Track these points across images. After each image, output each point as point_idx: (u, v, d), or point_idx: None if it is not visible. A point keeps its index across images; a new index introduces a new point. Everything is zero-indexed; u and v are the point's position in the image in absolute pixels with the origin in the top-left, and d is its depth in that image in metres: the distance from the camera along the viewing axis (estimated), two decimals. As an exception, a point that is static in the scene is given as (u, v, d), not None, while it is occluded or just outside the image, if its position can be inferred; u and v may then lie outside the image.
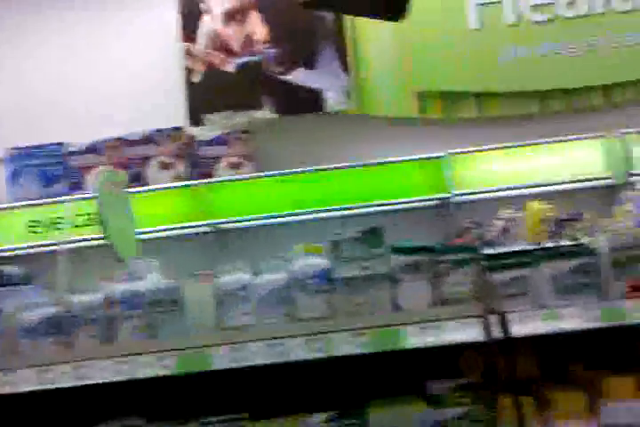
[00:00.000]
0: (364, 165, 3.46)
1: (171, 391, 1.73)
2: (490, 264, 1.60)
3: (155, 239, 3.30)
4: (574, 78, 3.74)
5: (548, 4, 3.73)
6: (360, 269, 1.59)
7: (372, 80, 3.85)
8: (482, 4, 3.75)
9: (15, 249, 3.34)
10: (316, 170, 3.45)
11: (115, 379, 1.50)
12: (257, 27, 3.79)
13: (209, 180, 3.43)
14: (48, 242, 3.25)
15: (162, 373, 1.50)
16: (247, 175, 3.46)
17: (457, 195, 3.45)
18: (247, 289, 1.62)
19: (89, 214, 3.23)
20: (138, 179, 3.40)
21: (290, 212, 3.39)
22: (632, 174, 3.27)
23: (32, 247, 3.32)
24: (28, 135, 3.55)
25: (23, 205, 3.37)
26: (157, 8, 3.89)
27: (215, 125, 3.68)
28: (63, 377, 1.51)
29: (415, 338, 1.53)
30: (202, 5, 3.78)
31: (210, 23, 3.79)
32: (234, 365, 1.51)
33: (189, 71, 3.76)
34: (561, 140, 3.51)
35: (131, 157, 3.43)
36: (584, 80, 3.73)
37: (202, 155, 3.52)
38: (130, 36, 3.94)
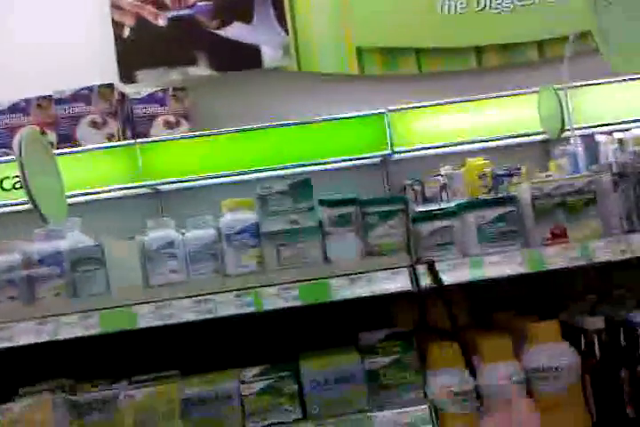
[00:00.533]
0: (304, 123, 3.41)
1: (99, 351, 1.71)
2: (416, 215, 1.61)
3: (88, 202, 3.21)
4: (510, 34, 3.76)
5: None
6: (288, 223, 1.58)
7: (311, 36, 3.77)
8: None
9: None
10: (254, 128, 3.38)
11: (37, 340, 1.46)
12: (187, -22, 3.63)
13: (144, 139, 3.32)
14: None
15: (86, 333, 1.47)
16: (184, 134, 3.37)
17: (397, 152, 3.45)
18: (174, 246, 1.59)
19: (17, 177, 3.10)
20: (68, 139, 3.27)
21: (228, 171, 3.33)
22: (566, 129, 3.33)
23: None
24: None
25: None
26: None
27: (148, 82, 3.55)
28: (-18, 340, 1.47)
29: (345, 290, 1.55)
30: (129, -45, 3.60)
31: (137, -27, 3.62)
32: (160, 323, 1.49)
33: (118, 25, 3.60)
34: (498, 96, 3.54)
35: (60, 116, 3.29)
36: (519, 36, 3.76)
37: (136, 113, 3.40)
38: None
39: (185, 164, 3.33)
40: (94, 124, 3.30)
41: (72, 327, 1.47)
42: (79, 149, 3.25)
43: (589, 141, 3.05)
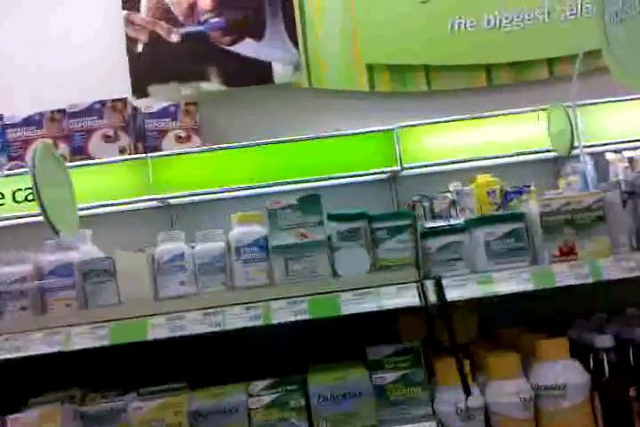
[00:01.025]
0: (313, 138, 3.44)
1: (109, 362, 1.72)
2: (425, 230, 1.62)
3: (100, 214, 3.24)
4: (520, 51, 3.78)
5: (494, -25, 3.75)
6: (297, 237, 1.59)
7: (321, 53, 3.81)
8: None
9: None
10: (264, 143, 3.41)
11: (48, 351, 1.47)
12: (201, -5, 3.69)
13: (155, 153, 3.36)
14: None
15: (96, 344, 1.48)
16: (194, 148, 3.40)
17: (406, 168, 3.47)
18: (184, 258, 1.61)
19: (29, 189, 3.14)
20: (81, 152, 3.31)
21: (238, 185, 3.35)
22: (576, 147, 3.34)
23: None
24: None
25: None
26: (99, -26, 3.76)
27: (160, 97, 3.60)
28: (-7, 350, 1.48)
29: (354, 304, 1.55)
30: (145, -28, 3.67)
31: (152, -10, 3.68)
32: (170, 334, 1.50)
33: (132, 41, 3.66)
34: (507, 114, 3.55)
35: (73, 130, 3.33)
36: (529, 53, 3.78)
37: (147, 127, 3.44)
38: (71, 4, 3.80)
39: (195, 177, 3.35)
40: (107, 138, 3.34)
41: (82, 338, 1.48)
42: (91, 162, 3.28)
43: (599, 159, 3.05)
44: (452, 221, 1.76)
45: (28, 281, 1.55)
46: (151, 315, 1.50)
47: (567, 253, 1.58)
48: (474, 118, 3.54)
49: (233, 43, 3.69)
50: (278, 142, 3.42)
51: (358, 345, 1.69)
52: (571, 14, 3.77)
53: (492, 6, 3.77)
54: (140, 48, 3.65)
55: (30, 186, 3.08)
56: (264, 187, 3.38)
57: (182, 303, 1.54)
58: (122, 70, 3.62)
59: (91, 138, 3.33)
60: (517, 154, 3.53)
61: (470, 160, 3.52)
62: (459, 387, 1.56)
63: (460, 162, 3.52)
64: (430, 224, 1.74)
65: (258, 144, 3.40)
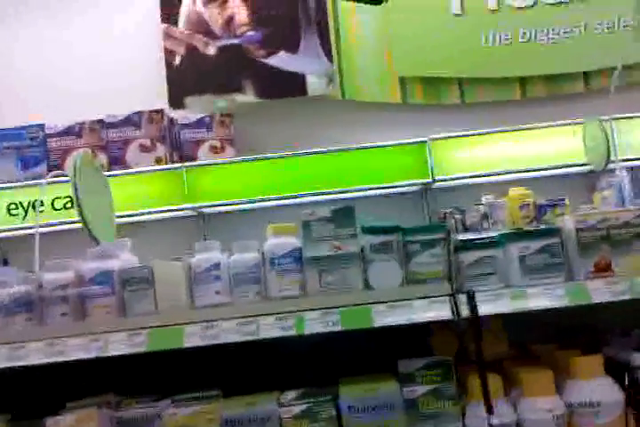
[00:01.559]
0: (346, 150, 3.46)
1: (145, 369, 1.75)
2: (458, 244, 1.62)
3: (136, 223, 3.31)
4: (555, 64, 3.76)
5: (530, -11, 3.75)
6: (331, 249, 1.61)
7: (355, 65, 3.85)
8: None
9: (-6, 231, 3.33)
10: (297, 154, 3.45)
11: (86, 356, 1.51)
12: (238, 9, 3.76)
13: (190, 163, 3.42)
14: (26, 225, 3.24)
15: (134, 350, 1.52)
16: (229, 159, 3.46)
17: (439, 180, 3.46)
18: (220, 268, 1.64)
19: (68, 197, 3.22)
20: (118, 161, 3.39)
21: (271, 196, 3.39)
22: (611, 161, 3.30)
23: (11, 230, 3.31)
24: (7, 116, 3.52)
25: (2, 188, 3.35)
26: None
27: (196, 108, 3.67)
28: (35, 354, 1.52)
29: (386, 317, 1.56)
30: (183, -14, 3.76)
31: (191, 4, 3.77)
32: (205, 343, 1.52)
33: (170, 53, 3.74)
34: (542, 126, 3.53)
35: (110, 140, 3.41)
36: (564, 66, 3.76)
37: (183, 138, 3.51)
38: (111, 17, 3.91)
39: (229, 187, 3.40)
40: (143, 148, 3.42)
41: (120, 345, 1.51)
42: (128, 171, 3.36)
43: (635, 174, 3.01)
44: (486, 235, 1.75)
45: (70, 288, 1.60)
46: (187, 323, 1.53)
47: (603, 269, 1.57)
48: (507, 131, 3.53)
49: (268, 55, 3.75)
50: (311, 154, 3.45)
51: (390, 358, 1.69)
52: (607, 27, 3.74)
53: (526, 19, 3.76)
54: (177, 60, 3.74)
55: (69, 194, 3.21)
56: (296, 198, 3.42)
57: (217, 312, 1.57)
58: (160, 82, 3.70)
59: (128, 148, 3.41)
60: (551, 167, 3.50)
61: (503, 173, 3.50)
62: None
63: (492, 175, 3.51)
64: (463, 237, 1.74)
65: (291, 155, 3.44)
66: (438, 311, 1.55)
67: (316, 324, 1.55)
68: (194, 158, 3.47)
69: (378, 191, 3.48)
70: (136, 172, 3.36)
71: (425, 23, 3.78)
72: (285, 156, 3.44)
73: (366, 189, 3.44)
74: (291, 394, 1.58)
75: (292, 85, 3.72)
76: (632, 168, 3.07)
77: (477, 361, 1.54)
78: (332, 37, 3.80)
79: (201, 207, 3.43)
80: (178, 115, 3.61)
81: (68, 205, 3.26)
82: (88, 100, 3.66)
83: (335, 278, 1.61)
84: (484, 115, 3.80)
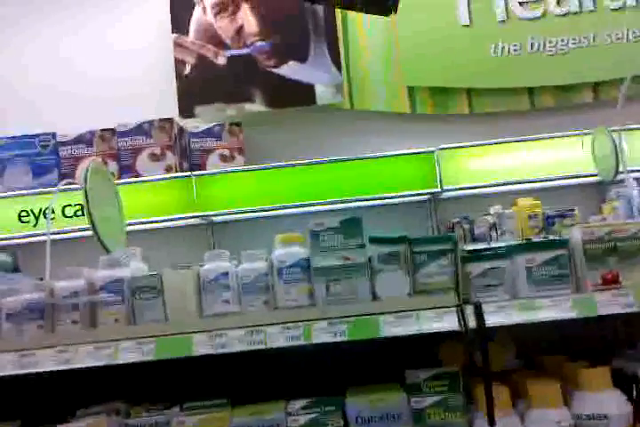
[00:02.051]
0: (355, 159, 3.48)
1: (154, 377, 1.76)
2: (466, 255, 1.62)
3: (145, 231, 3.33)
4: (563, 75, 3.77)
5: (538, 0, 3.76)
6: (339, 259, 1.62)
7: (364, 75, 3.87)
8: (472, 1, 3.77)
9: (5, 239, 3.36)
10: (306, 163, 3.47)
11: (96, 364, 1.52)
12: (248, 19, 3.80)
13: (200, 172, 3.45)
14: (37, 232, 3.28)
15: (142, 358, 1.53)
16: (238, 168, 3.48)
17: (447, 190, 3.47)
18: (228, 277, 1.65)
19: (78, 205, 3.25)
20: (128, 170, 3.42)
21: (279, 205, 3.41)
22: (621, 172, 3.30)
23: (22, 237, 3.34)
24: (19, 125, 3.56)
25: (14, 195, 3.39)
26: (151, -1, 3.91)
27: (206, 117, 3.70)
28: (46, 361, 1.54)
29: (393, 327, 1.56)
30: (194, -3, 3.80)
31: (201, 15, 3.81)
32: (213, 351, 1.53)
33: (180, 63, 3.78)
34: (550, 137, 3.53)
35: (121, 148, 3.45)
36: (573, 77, 3.77)
37: (192, 147, 3.54)
38: (123, 26, 3.96)
39: (238, 196, 3.43)
40: (153, 157, 3.45)
41: (129, 353, 1.53)
42: (138, 179, 3.39)
43: (644, 185, 3.00)
44: (494, 245, 1.76)
45: (81, 296, 1.61)
46: (195, 332, 1.54)
47: (611, 281, 1.57)
48: (516, 142, 3.53)
49: (277, 65, 3.78)
50: (319, 163, 3.47)
51: (397, 368, 1.69)
52: (616, 38, 3.75)
53: (535, 30, 3.78)
54: (187, 70, 3.78)
55: (79, 202, 3.24)
56: (304, 206, 3.43)
57: (226, 321, 1.58)
58: (170, 91, 3.73)
59: (138, 156, 3.44)
60: (560, 178, 3.51)
61: (512, 183, 3.51)
62: (498, 413, 1.55)
63: (501, 185, 3.51)
64: (471, 247, 1.75)
65: (299, 164, 3.46)
66: (445, 322, 1.56)
67: (323, 333, 1.56)
68: (203, 167, 3.50)
69: (386, 201, 3.49)
70: (146, 180, 3.39)
71: (434, 34, 3.80)
72: (294, 165, 3.46)
73: (374, 199, 3.45)
74: (298, 403, 1.59)
75: (301, 95, 3.75)
76: (641, 179, 3.06)
77: (483, 372, 1.54)
78: (341, 47, 3.83)
79: (210, 216, 3.45)
80: (188, 124, 3.64)
81: (79, 212, 3.29)
82: (99, 108, 3.71)
83: (343, 288, 1.62)
84: (492, 125, 3.81)
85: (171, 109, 3.67)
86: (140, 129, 3.46)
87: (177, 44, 3.80)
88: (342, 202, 3.42)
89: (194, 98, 3.74)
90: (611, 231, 1.59)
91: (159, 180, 3.40)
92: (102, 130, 3.51)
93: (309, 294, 1.64)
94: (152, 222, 3.38)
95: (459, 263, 1.61)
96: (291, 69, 3.78)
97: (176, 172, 3.44)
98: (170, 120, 3.51)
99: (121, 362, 1.52)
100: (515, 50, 3.79)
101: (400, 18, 3.81)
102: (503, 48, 3.80)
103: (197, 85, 3.75)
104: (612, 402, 1.54)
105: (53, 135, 3.49)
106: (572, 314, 1.55)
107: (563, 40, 3.77)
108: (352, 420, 1.57)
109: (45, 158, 3.45)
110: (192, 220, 3.47)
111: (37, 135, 3.48)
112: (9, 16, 3.96)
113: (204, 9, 3.80)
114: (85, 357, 1.54)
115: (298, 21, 3.78)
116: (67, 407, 1.66)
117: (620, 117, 3.07)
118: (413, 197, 3.52)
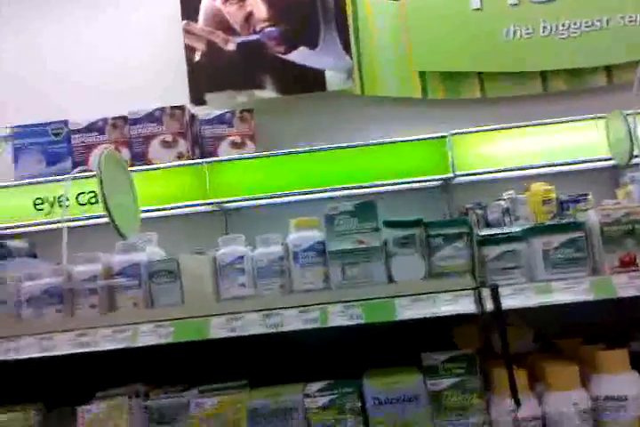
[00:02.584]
0: (366, 145, 3.46)
1: (172, 360, 1.78)
2: (482, 238, 1.62)
3: (158, 218, 3.34)
4: (576, 59, 3.72)
5: (550, -17, 3.71)
6: (354, 243, 1.62)
7: (374, 60, 3.84)
8: (483, -16, 3.73)
9: (21, 226, 3.39)
10: (317, 149, 3.46)
11: (115, 347, 1.54)
12: (257, 5, 3.78)
13: (211, 159, 3.45)
14: (52, 219, 3.30)
15: (160, 341, 1.54)
16: (249, 154, 3.48)
17: (459, 175, 3.45)
18: (244, 261, 1.66)
19: (93, 192, 3.27)
20: (141, 157, 3.43)
21: (291, 191, 3.41)
22: (635, 156, 3.27)
23: (37, 225, 3.37)
24: (32, 113, 3.57)
25: (28, 183, 3.40)
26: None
27: (217, 104, 3.69)
28: (66, 345, 1.56)
29: (409, 310, 1.56)
30: (203, -17, 3.78)
31: (210, 1, 3.79)
32: (230, 334, 1.55)
33: (190, 50, 3.77)
34: (564, 121, 3.50)
35: (133, 136, 3.45)
36: (586, 60, 3.72)
37: (204, 134, 3.53)
38: (133, 14, 3.95)
39: (250, 183, 3.42)
40: (165, 144, 3.45)
41: (147, 336, 1.54)
42: (151, 167, 3.39)
43: (659, 168, 2.97)
44: (509, 230, 1.75)
45: (99, 280, 1.63)
46: (213, 315, 1.55)
47: (628, 263, 1.56)
48: (529, 126, 3.50)
49: (287, 51, 3.76)
50: (330, 149, 3.46)
51: (413, 352, 1.70)
52: (629, 21, 3.70)
53: (547, 13, 3.73)
54: (197, 57, 3.76)
55: (93, 189, 3.26)
56: (316, 193, 3.43)
57: (242, 305, 1.59)
58: (181, 78, 3.73)
59: (150, 144, 3.45)
60: (574, 162, 3.48)
61: (525, 168, 3.48)
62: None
63: (514, 170, 3.49)
64: (485, 232, 1.74)
65: (310, 150, 3.45)
66: (462, 305, 1.56)
67: (339, 317, 1.56)
68: (215, 154, 3.50)
69: (398, 187, 3.48)
70: (158, 167, 3.40)
71: (444, 18, 3.76)
72: (305, 151, 3.45)
73: (386, 185, 3.43)
74: (316, 385, 1.60)
75: (312, 81, 3.73)
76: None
77: (503, 354, 1.54)
78: (351, 33, 3.80)
79: (222, 203, 3.45)
80: (199, 111, 3.63)
81: (93, 200, 3.30)
82: (110, 96, 3.71)
83: (358, 272, 1.62)
84: (504, 109, 3.77)
85: (182, 97, 3.67)
86: (152, 116, 3.46)
87: (187, 31, 3.79)
88: (354, 188, 3.41)
89: (204, 85, 3.73)
90: (628, 213, 1.58)
91: (171, 167, 3.40)
92: (114, 118, 3.51)
93: (325, 278, 1.64)
94: (164, 210, 3.39)
95: (475, 246, 1.61)
96: (301, 55, 3.76)
97: (188, 159, 3.44)
98: (181, 107, 3.51)
99: (140, 345, 1.54)
100: (527, 33, 3.74)
101: (410, 2, 3.78)
102: (515, 32, 3.75)
103: (208, 72, 3.74)
104: (631, 384, 1.54)
105: (65, 123, 3.50)
106: (590, 297, 1.54)
107: (575, 23, 3.72)
108: (369, 402, 1.58)
109: (58, 146, 3.46)
110: (204, 207, 3.48)
111: (49, 123, 3.49)
112: (15, 12, 3.96)
113: (214, -6, 3.78)
114: (104, 340, 1.55)
115: (307, 7, 3.75)
116: (87, 390, 1.69)
117: (635, 101, 3.03)
118: (425, 182, 3.51)
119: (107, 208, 2.05)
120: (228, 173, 3.43)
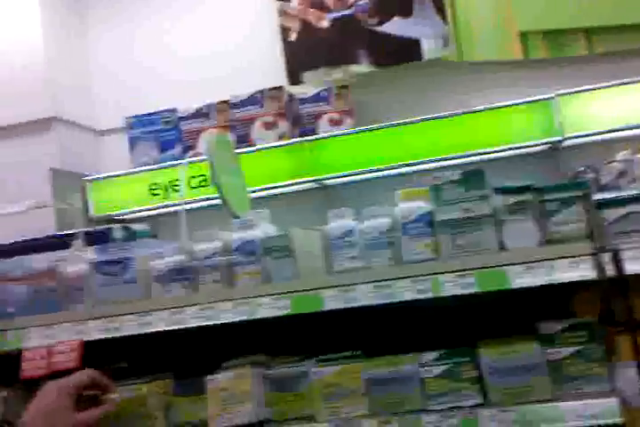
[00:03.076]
0: (468, 113, 3.37)
1: (290, 331, 1.86)
2: (600, 201, 1.55)
3: (263, 197, 3.45)
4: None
5: None
6: (462, 212, 1.60)
7: (471, 24, 3.70)
8: None
9: (139, 211, 3.62)
10: (417, 121, 3.41)
11: (236, 319, 1.63)
12: (349, -22, 3.75)
13: (312, 137, 3.50)
14: (167, 204, 3.50)
15: (278, 313, 1.62)
16: (349, 130, 3.49)
17: (568, 138, 3.29)
18: (353, 235, 1.69)
19: (203, 175, 3.42)
20: (244, 140, 3.54)
21: (394, 164, 3.39)
22: None
23: (154, 209, 3.59)
24: (143, 105, 3.78)
25: (144, 170, 3.62)
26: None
27: (313, 82, 3.72)
28: (192, 318, 1.67)
29: (523, 278, 1.54)
30: (294, -38, 3.79)
31: (302, -21, 3.80)
32: (344, 306, 1.59)
33: (285, 30, 3.81)
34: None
35: (236, 119, 3.56)
36: None
37: (303, 113, 3.58)
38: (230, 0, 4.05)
39: (350, 158, 3.44)
40: (266, 125, 3.53)
41: (266, 309, 1.62)
42: (254, 148, 3.49)
43: None
44: (624, 192, 1.67)
45: (219, 256, 1.72)
46: (326, 287, 1.60)
47: None
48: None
49: (381, 23, 3.71)
50: (430, 119, 3.40)
51: (528, 321, 1.67)
52: None
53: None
54: (293, 37, 3.80)
55: (203, 173, 3.41)
56: (417, 164, 3.39)
57: (354, 277, 1.63)
58: (276, 59, 3.79)
59: (252, 126, 3.54)
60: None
61: (638, 127, 3.26)
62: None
63: (627, 129, 3.27)
64: (597, 197, 1.66)
65: (410, 122, 3.40)
66: (580, 271, 1.51)
67: (451, 286, 1.56)
68: (314, 132, 3.54)
69: (503, 153, 3.37)
70: (261, 148, 3.49)
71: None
72: (404, 123, 3.42)
73: (491, 152, 3.34)
74: (431, 355, 1.61)
75: (408, 51, 3.66)
76: None
77: (627, 321, 1.49)
78: (446, -3, 3.68)
79: (324, 179, 3.50)
80: (296, 90, 3.68)
81: (203, 183, 3.46)
82: (212, 82, 3.84)
83: (468, 241, 1.61)
84: (614, 66, 3.53)
85: (280, 78, 3.73)
86: (253, 99, 3.55)
87: (281, 12, 3.83)
88: (457, 158, 3.34)
89: (300, 64, 3.77)
90: None
91: (273, 147, 3.48)
92: (219, 102, 3.63)
93: (434, 248, 1.64)
94: (269, 189, 3.49)
95: (592, 209, 1.54)
96: (395, 25, 3.69)
97: (289, 139, 3.51)
98: (279, 88, 3.57)
99: (259, 317, 1.62)
100: (639, -20, 3.46)
101: (508, -41, 3.60)
102: (625, -20, 3.48)
103: (303, 51, 3.77)
104: None
105: (174, 111, 3.67)
106: None
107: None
108: (486, 371, 1.58)
109: (169, 134, 3.64)
110: (307, 184, 3.54)
111: (161, 112, 3.67)
112: (114, 7, 4.17)
113: (305, -28, 3.79)
114: (226, 313, 1.65)
115: (399, -25, 3.67)
116: (213, 360, 1.80)
117: None
118: (532, 147, 3.37)
119: (219, 190, 2.15)
120: (328, 149, 3.46)
